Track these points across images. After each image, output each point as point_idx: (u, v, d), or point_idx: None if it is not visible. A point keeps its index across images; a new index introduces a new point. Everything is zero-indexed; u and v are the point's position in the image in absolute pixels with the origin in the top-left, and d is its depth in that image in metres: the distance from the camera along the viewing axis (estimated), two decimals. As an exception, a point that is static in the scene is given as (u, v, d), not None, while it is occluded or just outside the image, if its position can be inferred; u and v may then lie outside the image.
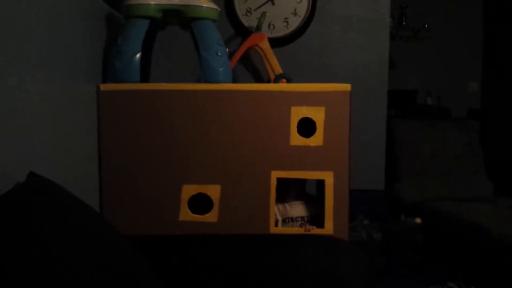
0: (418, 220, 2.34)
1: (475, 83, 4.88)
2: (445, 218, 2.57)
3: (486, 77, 4.83)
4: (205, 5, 1.51)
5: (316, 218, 1.61)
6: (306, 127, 1.51)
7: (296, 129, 1.50)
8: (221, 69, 1.51)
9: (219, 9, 1.57)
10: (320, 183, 1.55)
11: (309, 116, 1.50)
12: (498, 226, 2.23)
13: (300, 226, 1.60)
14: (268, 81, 2.10)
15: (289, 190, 1.63)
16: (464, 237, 2.42)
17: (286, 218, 1.61)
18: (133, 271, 0.83)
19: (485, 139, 3.29)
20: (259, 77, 2.31)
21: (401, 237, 2.35)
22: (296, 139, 1.50)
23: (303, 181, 1.67)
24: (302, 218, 1.61)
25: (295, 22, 2.30)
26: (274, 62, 2.09)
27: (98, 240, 0.78)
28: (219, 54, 1.50)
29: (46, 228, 0.69)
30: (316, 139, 1.51)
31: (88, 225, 0.80)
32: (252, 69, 2.32)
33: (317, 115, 1.50)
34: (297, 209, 1.63)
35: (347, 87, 1.51)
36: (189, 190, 1.49)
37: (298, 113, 1.50)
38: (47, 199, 0.76)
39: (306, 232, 1.51)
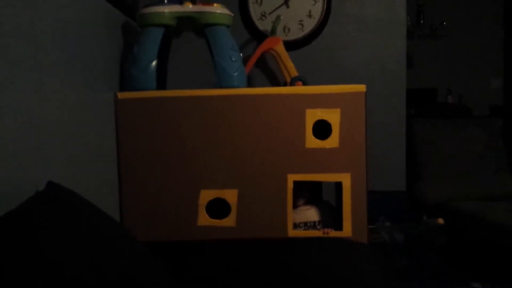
0: (440, 220, 2.30)
1: (497, 79, 4.78)
2: (467, 218, 2.52)
3: (509, 73, 4.72)
4: (218, 11, 1.53)
5: (331, 221, 1.60)
6: (322, 129, 1.51)
7: (311, 131, 1.50)
8: (235, 74, 1.52)
9: (233, 15, 1.59)
10: (339, 186, 1.54)
11: (324, 118, 1.50)
12: (523, 225, 2.18)
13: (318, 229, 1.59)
14: (285, 84, 2.11)
15: (299, 195, 1.61)
16: (488, 237, 2.37)
17: (296, 223, 1.59)
18: (153, 279, 0.85)
19: (508, 136, 3.22)
20: (275, 81, 2.32)
21: (424, 238, 2.32)
22: (312, 142, 1.50)
23: (317, 186, 1.66)
24: (315, 222, 1.60)
25: (310, 25, 2.30)
26: (290, 65, 2.10)
27: (114, 248, 0.80)
28: (234, 60, 1.52)
29: (62, 236, 0.70)
30: (332, 141, 1.50)
31: (105, 234, 0.82)
32: (268, 72, 2.33)
33: (333, 117, 1.50)
34: (308, 214, 1.61)
35: (362, 88, 1.51)
36: (207, 195, 1.50)
37: (313, 115, 1.50)
38: (64, 208, 0.78)
39: (324, 235, 1.51)
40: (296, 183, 1.51)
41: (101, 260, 0.75)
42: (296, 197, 1.58)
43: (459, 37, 4.61)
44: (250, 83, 2.26)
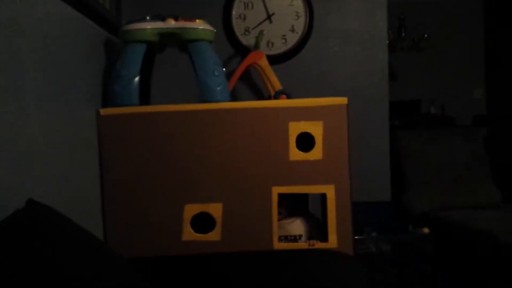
0: (426, 230, 2.32)
1: (480, 89, 4.87)
2: (454, 227, 2.55)
3: (491, 83, 4.81)
4: (200, 27, 1.54)
5: (316, 233, 1.60)
6: (306, 141, 1.53)
7: (295, 144, 1.51)
8: (218, 88, 1.53)
9: (215, 30, 1.60)
10: (324, 197, 1.55)
11: (307, 131, 1.51)
12: (508, 233, 2.21)
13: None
14: (269, 98, 2.12)
15: (287, 207, 1.62)
16: (474, 245, 2.39)
17: (281, 236, 1.59)
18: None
19: (492, 145, 3.27)
20: (260, 94, 2.34)
21: (410, 248, 2.34)
22: (296, 154, 1.51)
23: (300, 198, 1.67)
24: (295, 236, 1.60)
25: (293, 39, 2.33)
26: (274, 79, 2.12)
27: (96, 266, 0.79)
28: (216, 74, 1.53)
29: (41, 255, 0.70)
30: (316, 153, 1.52)
31: (86, 252, 0.81)
32: (252, 86, 2.35)
33: (315, 129, 1.51)
34: (289, 228, 1.61)
35: (343, 100, 1.53)
36: (191, 210, 1.50)
37: (296, 128, 1.51)
38: (44, 226, 0.77)
39: (310, 247, 1.51)
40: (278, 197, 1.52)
41: (82, 279, 0.74)
42: (281, 209, 1.59)
43: (441, 49, 4.70)
44: (235, 97, 2.28)
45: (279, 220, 1.58)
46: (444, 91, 4.70)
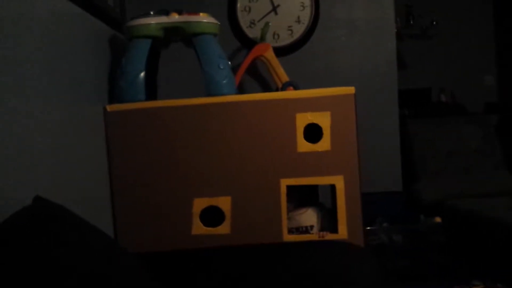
0: (437, 219, 2.30)
1: (490, 76, 4.80)
2: (466, 216, 2.52)
3: (501, 69, 4.74)
4: (204, 20, 1.54)
5: (327, 224, 1.59)
6: (313, 132, 1.52)
7: (302, 135, 1.50)
8: (224, 81, 1.53)
9: (219, 23, 1.59)
10: (334, 188, 1.54)
11: (315, 122, 1.50)
12: (521, 221, 2.17)
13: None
14: (276, 90, 2.12)
15: (294, 199, 1.61)
16: (487, 234, 2.36)
17: (292, 228, 1.58)
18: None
19: (504, 132, 3.22)
20: (267, 87, 2.33)
21: (422, 237, 2.32)
22: (303, 146, 1.50)
23: (310, 189, 1.66)
24: (311, 227, 1.59)
25: (299, 30, 2.32)
26: (280, 71, 2.11)
27: (103, 262, 0.80)
28: (221, 67, 1.52)
29: (49, 252, 0.70)
30: (324, 144, 1.50)
31: (93, 248, 0.81)
32: (260, 79, 2.34)
33: (323, 120, 1.50)
34: (300, 219, 1.60)
35: (351, 90, 1.51)
36: (200, 204, 1.50)
37: (303, 119, 1.50)
38: (51, 223, 0.78)
39: (320, 239, 1.51)
40: (288, 189, 1.51)
41: (90, 275, 0.74)
42: (289, 203, 1.58)
43: (450, 36, 4.63)
44: (242, 90, 2.27)
45: (289, 211, 1.58)
46: (454, 79, 4.64)
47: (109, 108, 1.50)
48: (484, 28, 4.74)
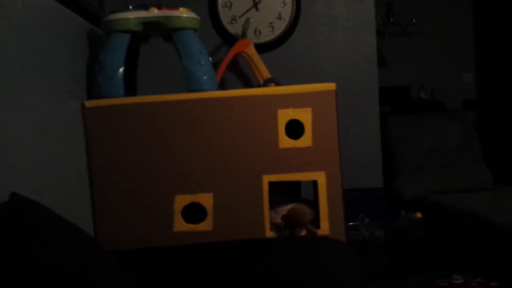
0: (418, 214, 2.32)
1: (469, 74, 4.87)
2: (446, 211, 2.56)
3: (480, 67, 4.82)
4: (184, 15, 1.52)
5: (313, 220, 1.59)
6: (295, 128, 1.51)
7: (284, 131, 1.50)
8: (204, 77, 1.51)
9: (200, 18, 1.58)
10: (316, 184, 1.54)
11: (296, 118, 1.50)
12: (500, 215, 2.22)
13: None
14: (258, 87, 2.10)
15: (278, 195, 1.60)
16: (466, 228, 2.40)
17: (277, 223, 1.58)
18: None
19: (482, 128, 3.28)
20: (249, 83, 2.32)
21: (403, 233, 2.34)
22: (285, 142, 1.50)
23: (295, 185, 1.66)
24: None
25: (280, 26, 2.31)
26: (262, 67, 2.10)
27: (80, 259, 0.78)
28: (202, 63, 1.51)
29: (24, 249, 0.68)
30: (305, 140, 1.50)
31: (70, 245, 0.79)
32: (242, 75, 2.32)
33: (304, 116, 1.50)
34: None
35: (331, 86, 1.51)
36: (182, 200, 1.49)
37: (285, 115, 1.49)
38: (27, 219, 0.75)
39: (306, 234, 1.50)
40: (272, 185, 1.50)
41: (66, 273, 0.72)
42: (273, 199, 1.57)
43: (430, 34, 4.68)
44: (224, 87, 2.26)
45: (275, 207, 1.57)
46: (433, 76, 4.70)
47: (87, 104, 1.47)
48: (463, 26, 4.81)
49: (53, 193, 1.21)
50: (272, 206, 1.56)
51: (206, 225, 1.49)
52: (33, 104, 1.14)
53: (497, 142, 3.67)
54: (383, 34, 4.42)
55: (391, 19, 4.52)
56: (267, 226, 1.49)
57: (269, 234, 1.49)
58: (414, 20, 4.52)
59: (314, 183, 1.55)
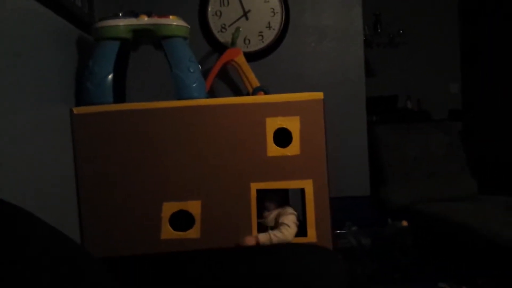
0: (404, 223, 2.34)
1: (456, 84, 4.95)
2: (432, 219, 2.58)
3: (466, 77, 4.89)
4: (174, 23, 1.53)
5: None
6: (283, 137, 1.52)
7: (272, 140, 1.51)
8: (194, 85, 1.52)
9: (189, 26, 1.59)
10: (303, 193, 1.55)
11: (284, 126, 1.51)
12: (484, 224, 2.25)
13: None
14: (247, 95, 2.12)
15: (267, 204, 1.60)
16: (452, 237, 2.43)
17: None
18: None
19: (467, 138, 3.33)
20: (238, 91, 2.33)
21: (390, 241, 2.36)
22: (273, 150, 1.51)
23: (283, 194, 1.66)
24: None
25: (270, 36, 2.33)
26: (251, 76, 2.11)
27: (65, 267, 0.78)
28: (192, 71, 1.52)
29: (8, 256, 0.68)
30: (293, 149, 1.52)
31: (54, 252, 0.79)
32: (231, 84, 2.33)
33: (292, 124, 1.51)
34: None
35: (319, 95, 1.53)
36: (169, 208, 1.49)
37: (273, 124, 1.51)
38: (12, 227, 0.75)
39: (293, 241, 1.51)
40: (262, 193, 1.51)
41: (52, 281, 0.72)
42: (265, 207, 1.58)
43: (417, 44, 4.76)
44: (213, 95, 2.27)
45: (263, 217, 1.57)
46: (420, 86, 4.76)
47: (75, 110, 1.47)
48: (449, 37, 4.89)
49: (39, 200, 1.20)
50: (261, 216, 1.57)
51: (193, 233, 1.49)
52: (20, 109, 1.14)
53: (481, 152, 3.73)
54: (371, 44, 4.48)
55: (379, 30, 4.59)
56: (255, 233, 1.50)
57: (257, 241, 1.50)
58: (401, 31, 4.59)
59: (302, 191, 1.56)
